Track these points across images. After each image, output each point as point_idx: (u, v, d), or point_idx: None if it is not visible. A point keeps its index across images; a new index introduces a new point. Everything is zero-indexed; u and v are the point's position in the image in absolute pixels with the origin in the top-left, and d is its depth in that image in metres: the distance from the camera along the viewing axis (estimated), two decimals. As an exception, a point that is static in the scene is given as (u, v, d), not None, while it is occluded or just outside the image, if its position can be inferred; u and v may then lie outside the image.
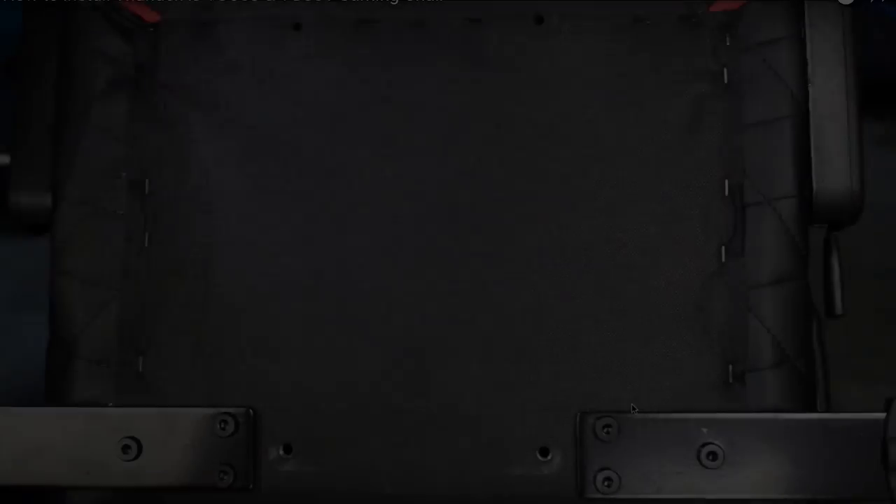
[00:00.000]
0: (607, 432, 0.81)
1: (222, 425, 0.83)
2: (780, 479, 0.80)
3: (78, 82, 0.89)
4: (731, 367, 0.83)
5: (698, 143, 0.85)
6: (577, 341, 0.84)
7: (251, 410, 0.83)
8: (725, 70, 0.86)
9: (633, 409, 0.81)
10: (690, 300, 0.84)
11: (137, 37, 0.89)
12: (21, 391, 1.68)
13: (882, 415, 0.78)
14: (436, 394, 0.83)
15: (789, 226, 0.84)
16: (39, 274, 1.80)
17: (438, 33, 0.86)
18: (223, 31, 0.88)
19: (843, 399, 0.93)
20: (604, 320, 0.84)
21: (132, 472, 0.83)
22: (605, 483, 0.81)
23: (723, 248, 0.84)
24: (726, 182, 0.85)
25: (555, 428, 0.83)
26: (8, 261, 1.82)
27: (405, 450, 0.83)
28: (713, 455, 0.81)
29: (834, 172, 0.85)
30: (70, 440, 0.83)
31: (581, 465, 0.82)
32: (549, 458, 0.83)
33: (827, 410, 0.88)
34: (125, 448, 0.83)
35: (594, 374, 0.83)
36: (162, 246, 0.87)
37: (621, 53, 0.86)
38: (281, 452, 0.83)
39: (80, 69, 0.89)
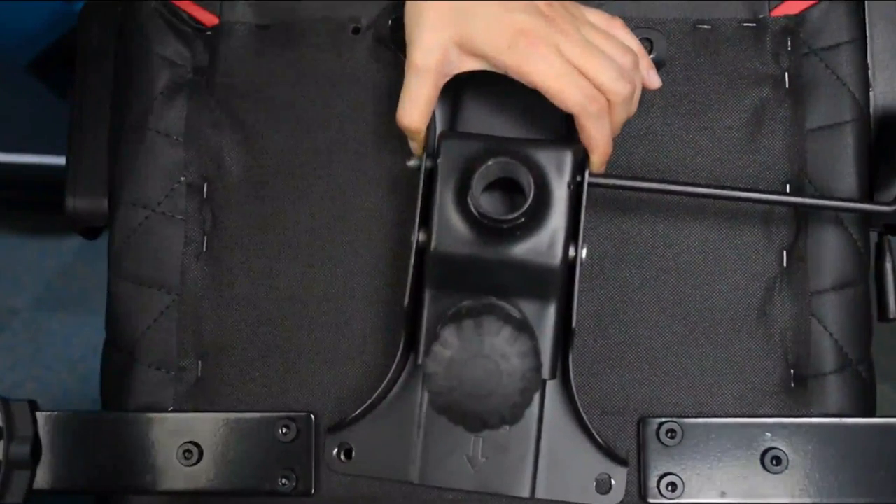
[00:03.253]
0: (671, 437, 0.81)
1: (283, 430, 0.83)
2: (844, 484, 0.80)
3: (136, 85, 0.88)
4: (793, 371, 0.83)
5: (760, 148, 0.85)
6: (638, 345, 0.83)
7: (312, 415, 0.83)
8: (787, 74, 0.86)
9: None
10: (753, 304, 0.83)
11: (196, 39, 0.89)
12: (54, 390, 1.68)
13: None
14: None
15: (851, 230, 0.84)
16: (65, 275, 1.81)
17: None
18: (282, 33, 0.88)
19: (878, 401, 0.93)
20: (665, 325, 0.83)
21: (193, 477, 0.83)
22: (669, 488, 0.81)
23: (784, 252, 0.84)
24: (788, 186, 0.84)
25: (617, 433, 0.83)
26: (34, 262, 1.81)
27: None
28: (777, 460, 0.81)
29: (895, 176, 0.85)
30: (130, 445, 0.83)
31: (644, 469, 0.81)
32: (611, 462, 0.83)
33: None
34: (186, 453, 0.82)
35: (655, 379, 0.83)
36: (221, 250, 0.86)
37: (682, 57, 0.86)
38: (342, 458, 0.82)
39: (138, 72, 0.88)
